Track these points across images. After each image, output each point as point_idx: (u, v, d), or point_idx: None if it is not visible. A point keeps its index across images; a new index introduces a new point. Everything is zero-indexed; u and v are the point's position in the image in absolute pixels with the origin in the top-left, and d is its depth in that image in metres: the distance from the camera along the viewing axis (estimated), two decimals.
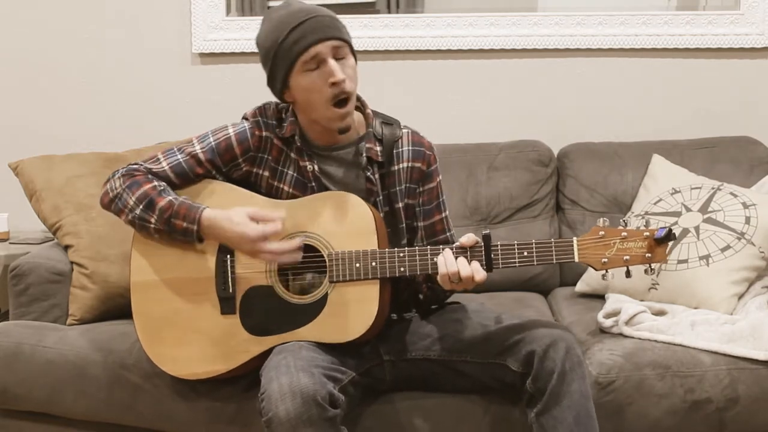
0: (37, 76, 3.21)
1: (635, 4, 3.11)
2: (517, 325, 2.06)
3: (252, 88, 3.06)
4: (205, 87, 3.19)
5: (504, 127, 3.10)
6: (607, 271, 1.95)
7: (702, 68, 3.10)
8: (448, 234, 2.21)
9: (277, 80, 2.05)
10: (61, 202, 2.58)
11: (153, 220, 2.05)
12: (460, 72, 3.15)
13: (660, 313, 2.39)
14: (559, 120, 3.13)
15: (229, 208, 2.05)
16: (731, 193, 2.59)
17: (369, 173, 2.11)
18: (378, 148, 2.12)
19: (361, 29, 3.10)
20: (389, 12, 3.18)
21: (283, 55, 2.01)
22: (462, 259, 1.95)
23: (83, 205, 2.57)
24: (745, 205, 2.53)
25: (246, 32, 3.13)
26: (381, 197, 2.13)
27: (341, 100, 2.02)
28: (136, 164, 2.12)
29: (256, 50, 3.08)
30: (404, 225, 2.17)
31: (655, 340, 2.24)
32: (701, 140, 2.95)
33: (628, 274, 1.95)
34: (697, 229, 2.52)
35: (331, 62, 2.00)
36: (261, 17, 3.13)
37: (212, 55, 3.17)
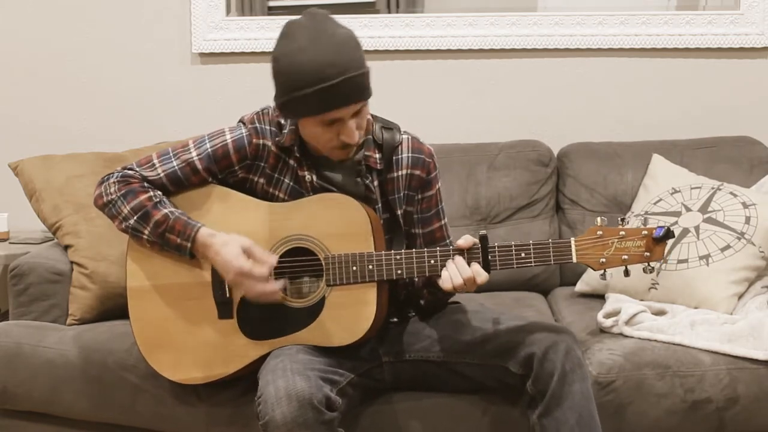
0: (37, 76, 3.21)
1: (635, 4, 3.11)
2: (516, 327, 2.06)
3: (252, 88, 3.08)
4: (205, 87, 3.19)
5: (504, 127, 3.10)
6: (605, 271, 1.94)
7: (702, 68, 3.09)
8: (447, 241, 2.20)
9: (286, 112, 1.98)
10: (61, 202, 2.58)
11: (147, 232, 2.04)
12: (459, 72, 3.14)
13: (660, 312, 2.39)
14: (559, 120, 3.13)
15: (225, 212, 2.06)
16: (731, 193, 2.59)
17: (368, 181, 2.09)
18: (377, 156, 2.10)
19: (361, 29, 3.08)
20: (389, 12, 3.18)
21: (303, 103, 1.90)
22: (463, 263, 1.94)
23: (83, 205, 2.57)
24: (745, 205, 2.53)
25: (246, 32, 3.13)
26: (380, 204, 2.12)
27: (347, 145, 1.99)
28: (131, 169, 2.09)
29: (255, 50, 3.12)
30: (404, 231, 2.15)
31: (655, 340, 2.24)
32: (701, 140, 2.95)
33: (626, 274, 1.95)
34: (697, 228, 2.52)
35: (350, 124, 1.93)
36: (261, 17, 3.19)
37: (212, 55, 3.16)
